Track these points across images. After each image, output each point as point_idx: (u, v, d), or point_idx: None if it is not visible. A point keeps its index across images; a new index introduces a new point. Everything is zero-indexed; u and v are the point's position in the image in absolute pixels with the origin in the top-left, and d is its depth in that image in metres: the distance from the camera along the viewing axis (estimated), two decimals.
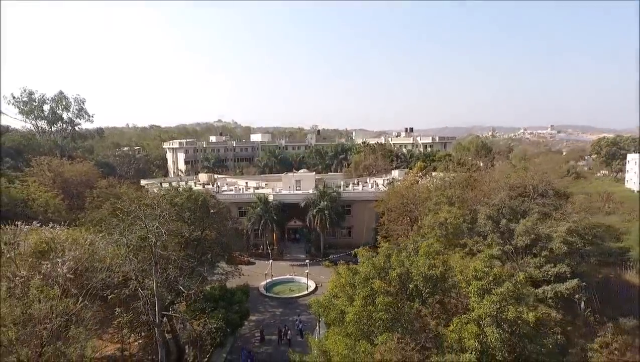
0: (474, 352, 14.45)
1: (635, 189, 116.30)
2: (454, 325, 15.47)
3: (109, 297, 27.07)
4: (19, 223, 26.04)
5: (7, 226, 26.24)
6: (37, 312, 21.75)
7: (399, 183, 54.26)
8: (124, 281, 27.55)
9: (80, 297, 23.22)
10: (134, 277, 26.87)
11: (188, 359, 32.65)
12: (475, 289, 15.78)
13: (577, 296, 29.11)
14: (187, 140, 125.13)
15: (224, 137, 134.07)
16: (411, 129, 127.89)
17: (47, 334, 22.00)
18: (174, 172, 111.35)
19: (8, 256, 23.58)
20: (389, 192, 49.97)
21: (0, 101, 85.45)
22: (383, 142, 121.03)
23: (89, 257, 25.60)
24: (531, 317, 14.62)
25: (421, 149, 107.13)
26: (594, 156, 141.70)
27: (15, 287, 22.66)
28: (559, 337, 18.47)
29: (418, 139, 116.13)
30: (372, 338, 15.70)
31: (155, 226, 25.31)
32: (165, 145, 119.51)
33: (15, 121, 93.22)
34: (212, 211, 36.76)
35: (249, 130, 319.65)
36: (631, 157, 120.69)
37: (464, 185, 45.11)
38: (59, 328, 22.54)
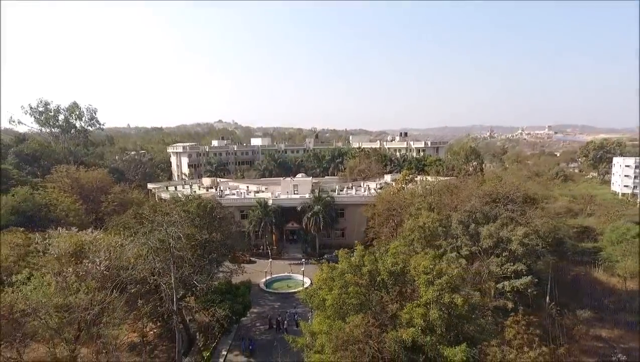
0: (419, 327, 19.56)
1: (619, 191, 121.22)
2: (407, 308, 20.53)
3: (132, 291, 32.21)
4: (60, 228, 31.23)
5: (50, 230, 31.38)
6: (79, 302, 26.90)
7: (387, 189, 59.26)
8: (145, 277, 32.66)
9: (113, 290, 28.39)
10: (155, 274, 32.05)
11: (198, 344, 37.80)
12: (423, 281, 20.82)
13: (529, 290, 33.91)
14: (190, 144, 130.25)
15: (225, 141, 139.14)
16: (405, 134, 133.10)
17: (89, 319, 27.24)
18: (177, 176, 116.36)
19: (55, 255, 28.75)
20: (377, 199, 55.04)
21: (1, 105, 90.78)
22: (378, 146, 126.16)
23: (118, 257, 30.73)
24: (460, 302, 19.61)
25: (414, 154, 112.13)
26: (582, 159, 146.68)
27: (62, 281, 27.77)
28: (488, 319, 23.59)
29: (411, 143, 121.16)
30: (346, 318, 20.79)
31: (174, 231, 30.40)
32: (170, 149, 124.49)
33: (22, 127, 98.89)
34: (218, 216, 41.82)
35: (249, 132, 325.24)
36: (616, 161, 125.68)
37: (443, 192, 50.16)
38: (97, 315, 27.79)
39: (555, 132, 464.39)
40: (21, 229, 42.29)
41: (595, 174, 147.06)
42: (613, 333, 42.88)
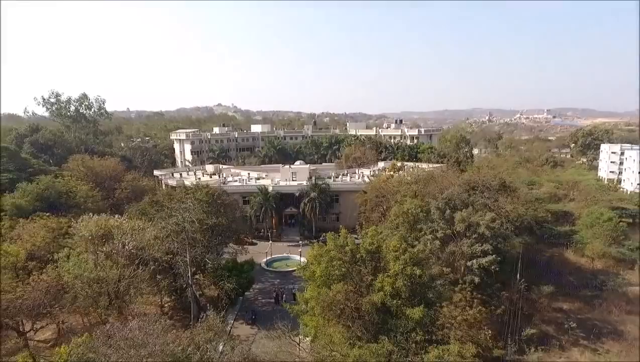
0: (387, 293, 24.96)
1: (605, 176, 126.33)
2: (379, 278, 25.91)
3: (152, 268, 37.62)
4: (92, 214, 36.54)
5: (83, 215, 36.67)
6: (112, 276, 32.33)
7: (377, 178, 64.34)
8: (162, 256, 38.06)
9: (141, 266, 33.85)
10: (170, 254, 37.44)
11: (209, 315, 43.44)
12: (392, 257, 26.14)
13: (492, 267, 39.26)
14: (192, 130, 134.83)
15: (226, 128, 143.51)
16: (400, 121, 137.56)
17: (120, 290, 32.71)
18: (181, 162, 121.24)
19: (89, 237, 34.08)
20: (367, 187, 60.21)
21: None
22: (374, 133, 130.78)
23: (140, 238, 36.07)
24: (418, 273, 24.99)
25: (408, 141, 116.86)
26: (572, 145, 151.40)
27: (96, 259, 33.18)
28: (446, 287, 29.07)
29: (406, 131, 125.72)
30: (331, 286, 26.18)
31: (188, 216, 35.69)
32: (173, 136, 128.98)
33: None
34: (224, 203, 47.10)
35: (248, 116, 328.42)
36: (603, 147, 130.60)
37: (427, 180, 55.22)
38: (125, 287, 33.24)
39: (554, 117, 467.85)
40: (47, 214, 47.64)
41: (584, 160, 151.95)
42: (573, 306, 48.57)
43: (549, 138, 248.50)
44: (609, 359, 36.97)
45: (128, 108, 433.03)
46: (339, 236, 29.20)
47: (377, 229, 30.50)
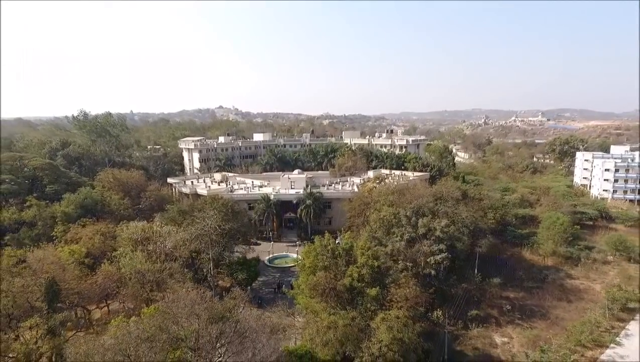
0: (355, 278, 36.22)
1: (579, 182, 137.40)
2: (350, 269, 37.15)
3: (180, 263, 48.82)
4: (135, 221, 47.87)
5: (122, 222, 48.04)
6: (155, 268, 43.49)
7: (362, 188, 75.63)
8: (188, 254, 49.33)
9: (175, 261, 45.10)
10: (195, 252, 48.69)
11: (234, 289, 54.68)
12: (359, 252, 37.40)
13: (444, 263, 50.41)
14: (199, 138, 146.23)
15: (231, 137, 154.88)
16: (391, 131, 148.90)
17: (160, 279, 43.79)
18: (189, 169, 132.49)
19: (137, 238, 45.37)
20: (354, 196, 71.47)
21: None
22: (367, 142, 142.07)
23: (174, 239, 47.35)
24: (376, 264, 36.22)
25: (397, 151, 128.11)
26: (550, 152, 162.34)
27: (143, 255, 44.41)
28: (399, 275, 40.48)
29: (395, 140, 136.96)
30: (316, 273, 37.47)
31: (210, 223, 47.02)
32: (181, 145, 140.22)
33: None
34: (235, 211, 58.44)
35: (250, 120, 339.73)
36: (578, 155, 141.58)
37: (402, 192, 66.45)
38: (165, 276, 44.34)
39: (548, 119, 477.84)
40: (90, 220, 58.88)
41: (563, 166, 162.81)
42: (518, 294, 59.68)
43: (537, 142, 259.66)
44: (531, 333, 48.06)
45: (131, 110, 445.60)
46: (324, 238, 40.56)
47: (358, 232, 41.80)
